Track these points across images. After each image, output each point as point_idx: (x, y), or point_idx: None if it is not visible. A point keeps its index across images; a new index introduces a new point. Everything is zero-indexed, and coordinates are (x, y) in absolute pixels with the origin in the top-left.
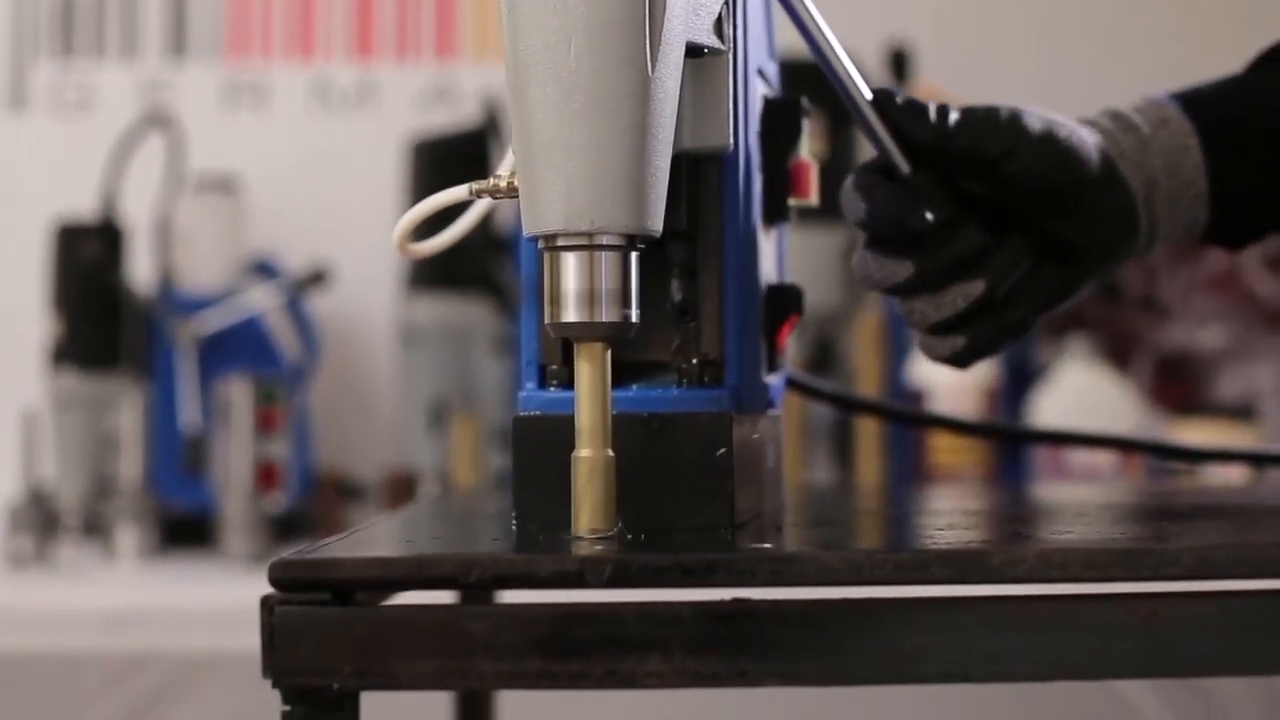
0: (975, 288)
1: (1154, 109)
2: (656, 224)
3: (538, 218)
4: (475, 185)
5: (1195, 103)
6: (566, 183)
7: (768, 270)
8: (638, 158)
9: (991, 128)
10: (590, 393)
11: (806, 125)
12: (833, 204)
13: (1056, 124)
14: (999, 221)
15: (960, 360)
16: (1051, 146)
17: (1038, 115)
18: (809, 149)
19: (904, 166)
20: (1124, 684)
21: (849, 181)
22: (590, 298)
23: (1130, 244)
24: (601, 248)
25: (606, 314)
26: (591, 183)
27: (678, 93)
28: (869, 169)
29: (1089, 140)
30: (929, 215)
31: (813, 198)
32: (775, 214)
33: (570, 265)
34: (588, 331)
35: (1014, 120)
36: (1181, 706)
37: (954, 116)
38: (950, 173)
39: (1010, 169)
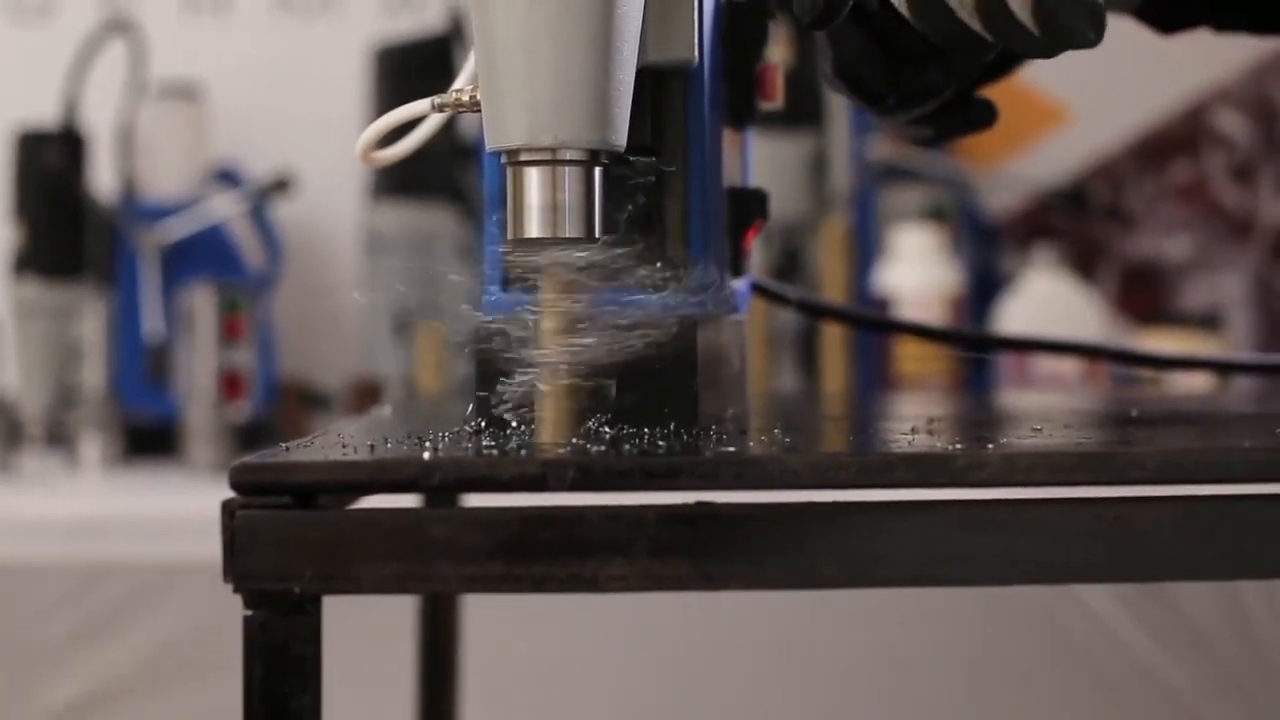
0: (943, 96)
1: None
2: (620, 138)
3: (500, 132)
4: (438, 99)
5: None
6: (529, 97)
7: (732, 174)
8: (601, 72)
9: None
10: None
11: (772, 29)
12: (798, 110)
13: None
14: None
15: (928, 144)
16: None
17: None
18: (774, 55)
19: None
20: (1090, 595)
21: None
22: (554, 213)
23: None
24: (565, 163)
25: (570, 229)
26: (554, 97)
27: (642, 6)
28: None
29: None
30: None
31: (778, 100)
32: (742, 117)
33: (533, 181)
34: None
35: None
36: (1148, 617)
37: None
38: None
39: None
